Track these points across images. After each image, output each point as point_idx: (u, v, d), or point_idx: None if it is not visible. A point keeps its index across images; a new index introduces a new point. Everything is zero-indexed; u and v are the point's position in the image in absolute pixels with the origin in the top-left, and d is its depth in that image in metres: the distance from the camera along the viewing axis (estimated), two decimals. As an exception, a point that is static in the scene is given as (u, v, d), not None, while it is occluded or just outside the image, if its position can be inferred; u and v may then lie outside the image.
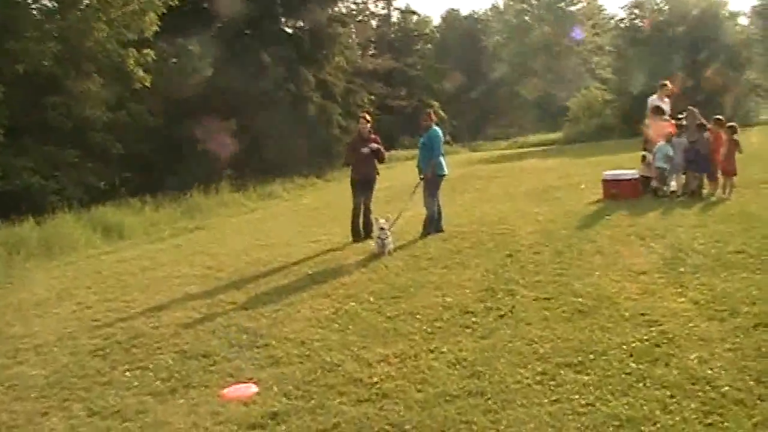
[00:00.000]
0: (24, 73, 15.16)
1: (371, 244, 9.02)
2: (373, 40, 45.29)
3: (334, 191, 19.40)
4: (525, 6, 53.72)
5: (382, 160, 10.12)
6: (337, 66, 29.94)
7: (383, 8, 49.05)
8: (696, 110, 11.18)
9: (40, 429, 4.42)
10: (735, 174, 10.15)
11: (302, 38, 27.53)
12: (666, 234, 7.88)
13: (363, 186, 9.92)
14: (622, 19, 38.22)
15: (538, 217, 10.05)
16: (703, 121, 10.80)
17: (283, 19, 27.99)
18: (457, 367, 4.59)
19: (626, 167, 12.23)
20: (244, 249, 10.48)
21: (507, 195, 13.67)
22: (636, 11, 35.66)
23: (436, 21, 59.19)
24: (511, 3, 56.03)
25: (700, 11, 31.90)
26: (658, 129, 11.23)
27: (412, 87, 42.83)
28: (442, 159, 9.64)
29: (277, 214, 16.00)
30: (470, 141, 43.79)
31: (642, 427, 3.53)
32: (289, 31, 28.31)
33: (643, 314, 5.21)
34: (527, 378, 4.27)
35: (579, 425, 3.62)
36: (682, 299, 5.50)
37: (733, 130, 10.39)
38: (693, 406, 3.68)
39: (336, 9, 32.02)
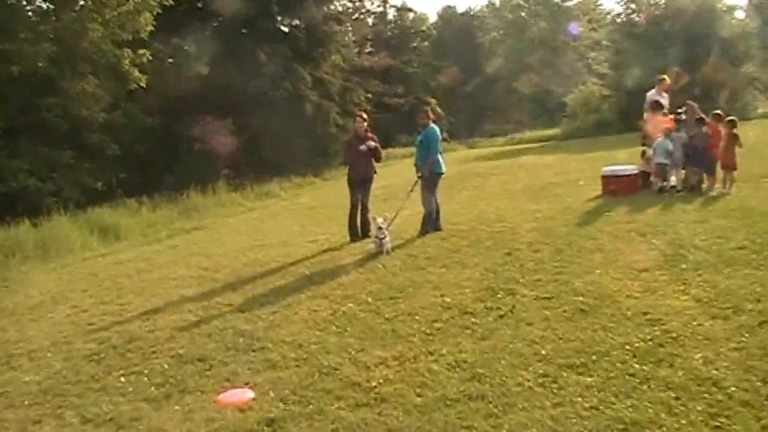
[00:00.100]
0: (19, 75, 15.05)
1: (369, 244, 8.94)
2: (369, 37, 45.25)
3: (332, 190, 19.32)
4: (521, 2, 53.58)
5: (378, 159, 10.04)
6: (334, 64, 29.84)
7: (379, 6, 48.94)
8: (695, 105, 11.13)
9: (32, 437, 4.35)
10: (735, 168, 10.07)
11: (298, 36, 27.44)
12: (666, 230, 7.80)
13: (360, 185, 9.84)
14: (619, 14, 38.12)
15: (536, 214, 9.96)
16: (702, 115, 10.72)
17: (279, 18, 27.88)
18: (457, 369, 4.50)
19: (625, 163, 12.16)
20: (241, 249, 10.40)
21: (505, 192, 13.59)
22: (632, 6, 35.55)
23: (433, 18, 59.20)
24: (508, -1, 55.90)
25: (696, 5, 31.79)
26: (656, 124, 11.16)
27: (409, 85, 42.73)
28: (439, 157, 9.56)
29: (275, 214, 15.92)
30: (467, 138, 43.71)
31: (647, 431, 3.45)
32: (285, 29, 28.20)
33: (645, 313, 5.13)
34: (529, 380, 4.19)
35: (582, 429, 3.54)
36: (685, 297, 5.42)
37: (732, 124, 10.30)
38: (699, 408, 3.60)
39: (332, 7, 31.91)
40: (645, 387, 3.91)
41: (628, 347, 4.52)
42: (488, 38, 54.58)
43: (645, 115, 11.87)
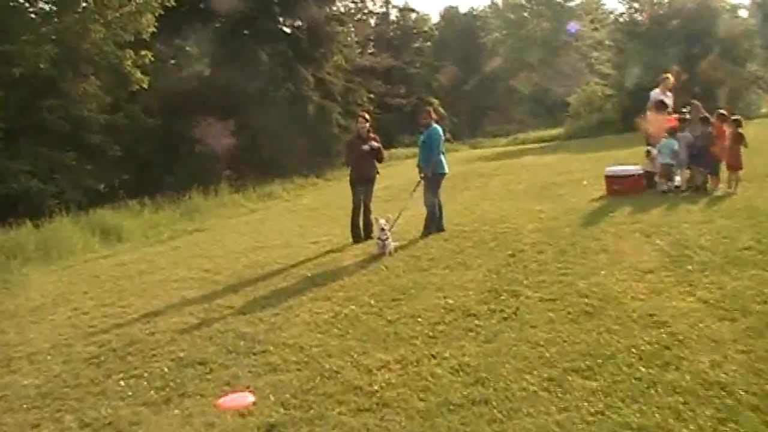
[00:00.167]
0: (21, 76, 15.02)
1: (371, 245, 8.88)
2: (371, 38, 45.09)
3: (334, 191, 19.24)
4: (523, 2, 53.46)
5: (380, 160, 9.98)
6: (336, 65, 29.76)
7: (381, 6, 48.84)
8: (700, 104, 11.04)
9: (30, 442, 4.30)
10: (740, 168, 9.98)
11: (300, 37, 27.35)
12: (671, 230, 7.72)
13: (363, 186, 9.78)
14: (621, 14, 38.01)
15: (540, 214, 9.89)
16: (707, 114, 10.64)
17: (280, 18, 27.79)
18: (460, 373, 4.44)
19: (628, 162, 12.08)
20: (242, 251, 10.35)
21: (508, 192, 13.51)
22: (635, 5, 35.43)
23: (435, 18, 59.08)
24: (510, -1, 55.80)
25: (698, 4, 31.66)
26: (660, 123, 11.07)
27: (411, 85, 42.62)
28: (442, 157, 9.49)
29: (277, 215, 15.85)
30: (470, 138, 43.58)
31: (654, 436, 3.39)
32: (287, 30, 28.12)
33: (651, 315, 5.07)
34: (533, 385, 4.12)
35: (588, 434, 3.48)
36: (691, 298, 5.35)
37: (738, 124, 10.21)
38: (707, 413, 3.54)
39: (334, 8, 31.83)
40: (652, 391, 3.85)
41: (634, 350, 4.45)
42: (490, 38, 54.44)
43: (648, 114, 11.79)
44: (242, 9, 22.96)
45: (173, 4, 17.37)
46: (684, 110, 11.20)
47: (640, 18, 34.65)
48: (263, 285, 7.73)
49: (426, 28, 52.92)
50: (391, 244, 8.52)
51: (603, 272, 6.38)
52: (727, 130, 10.24)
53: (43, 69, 15.44)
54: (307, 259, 8.96)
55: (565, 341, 4.77)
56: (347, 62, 31.74)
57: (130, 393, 4.84)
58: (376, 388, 4.37)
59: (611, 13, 48.53)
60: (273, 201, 19.31)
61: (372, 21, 48.13)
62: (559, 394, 3.95)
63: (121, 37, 16.74)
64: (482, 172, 18.83)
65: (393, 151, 29.07)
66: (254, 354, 5.33)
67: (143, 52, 17.21)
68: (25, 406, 4.86)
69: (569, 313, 5.36)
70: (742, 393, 3.69)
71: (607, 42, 40.70)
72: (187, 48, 22.12)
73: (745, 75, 31.50)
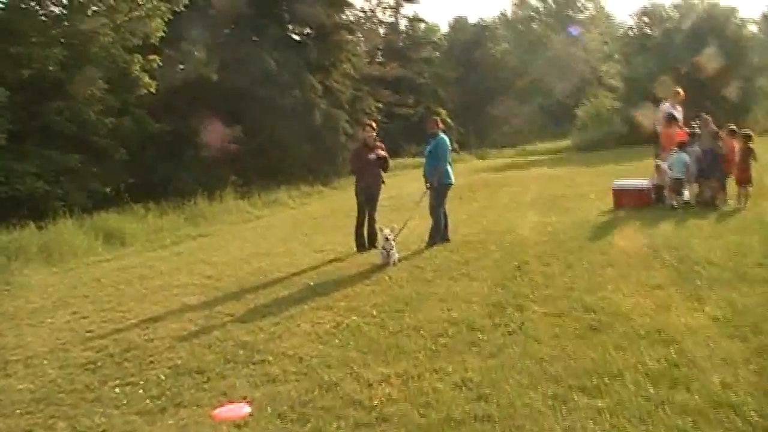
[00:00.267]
0: (29, 78, 15.04)
1: (375, 255, 8.78)
2: (380, 47, 45.13)
3: (340, 199, 19.18)
4: (532, 13, 53.54)
5: (386, 169, 9.90)
6: (344, 73, 29.76)
7: (391, 16, 48.90)
8: (709, 118, 10.95)
9: (21, 449, 4.21)
10: (750, 183, 9.87)
11: (309, 45, 27.42)
12: (680, 245, 7.60)
13: (368, 195, 9.69)
14: (631, 27, 37.94)
15: (547, 227, 9.78)
16: (716, 129, 10.54)
17: (290, 26, 27.89)
18: (463, 388, 4.32)
19: (636, 176, 11.96)
20: (245, 258, 10.26)
21: (515, 204, 13.41)
22: (645, 18, 35.36)
23: (444, 29, 59.11)
24: (519, 11, 55.87)
25: (708, 18, 31.58)
26: (670, 137, 10.96)
27: (419, 94, 42.56)
28: (449, 167, 9.42)
29: (282, 222, 15.79)
30: (477, 148, 43.45)
31: (663, 459, 3.27)
32: (296, 37, 28.20)
33: (659, 331, 4.95)
34: (538, 401, 4.00)
35: (594, 456, 3.36)
36: (700, 315, 5.23)
37: (748, 138, 10.11)
38: (718, 435, 3.41)
39: (344, 16, 31.89)
40: (660, 412, 3.71)
41: (641, 367, 4.33)
42: (499, 49, 54.51)
43: (658, 127, 11.70)
44: (251, 15, 22.99)
45: (182, 9, 17.40)
46: (694, 124, 11.09)
47: (649, 32, 34.57)
48: (265, 293, 7.63)
49: (435, 38, 52.95)
50: (395, 254, 8.42)
51: (610, 287, 6.27)
52: (737, 145, 10.14)
53: (52, 71, 15.48)
54: (310, 267, 8.87)
55: (570, 357, 4.64)
56: (355, 70, 31.72)
57: (125, 401, 4.74)
58: (375, 402, 4.25)
59: (620, 26, 48.55)
60: (278, 208, 19.26)
61: (381, 30, 48.15)
62: (564, 413, 3.83)
63: (130, 41, 16.80)
64: (489, 183, 18.76)
65: (399, 160, 28.97)
66: (253, 364, 5.22)
67: (151, 57, 17.25)
68: (18, 411, 4.76)
69: (575, 328, 5.24)
70: (754, 414, 3.57)
71: (616, 56, 40.65)
72: (196, 53, 22.10)
73: (756, 90, 31.34)
